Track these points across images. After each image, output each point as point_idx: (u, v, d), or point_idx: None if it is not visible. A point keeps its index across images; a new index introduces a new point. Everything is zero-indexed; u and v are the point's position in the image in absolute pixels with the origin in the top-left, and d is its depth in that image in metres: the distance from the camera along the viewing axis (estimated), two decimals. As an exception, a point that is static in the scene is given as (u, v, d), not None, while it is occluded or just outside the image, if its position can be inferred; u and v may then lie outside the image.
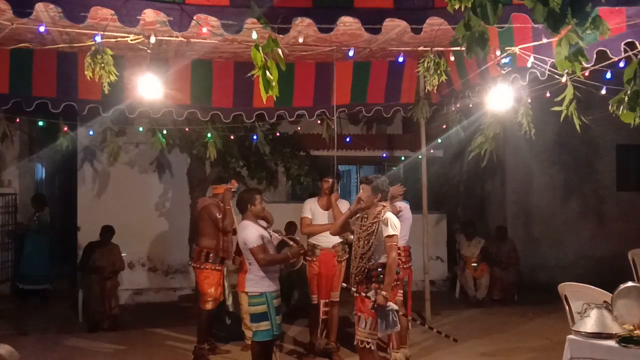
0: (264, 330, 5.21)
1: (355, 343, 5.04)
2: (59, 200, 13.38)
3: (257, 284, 5.23)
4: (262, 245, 5.17)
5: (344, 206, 6.36)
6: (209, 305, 6.44)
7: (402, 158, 10.72)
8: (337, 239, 6.33)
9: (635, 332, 4.16)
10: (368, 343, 4.91)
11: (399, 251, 6.02)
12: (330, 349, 6.41)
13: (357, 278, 5.06)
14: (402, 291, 6.05)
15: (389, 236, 4.87)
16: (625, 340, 4.08)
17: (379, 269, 4.91)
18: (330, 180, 6.35)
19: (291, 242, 5.50)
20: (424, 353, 6.52)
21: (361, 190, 5.13)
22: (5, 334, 7.24)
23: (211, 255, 6.43)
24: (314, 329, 6.49)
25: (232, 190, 6.55)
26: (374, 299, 4.82)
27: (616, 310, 4.36)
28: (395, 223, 4.93)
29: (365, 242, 5.01)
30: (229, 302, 6.78)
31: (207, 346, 6.53)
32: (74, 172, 10.02)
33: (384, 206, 5.04)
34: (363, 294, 4.93)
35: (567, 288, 5.08)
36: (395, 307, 4.92)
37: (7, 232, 10.09)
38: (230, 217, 6.41)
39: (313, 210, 6.39)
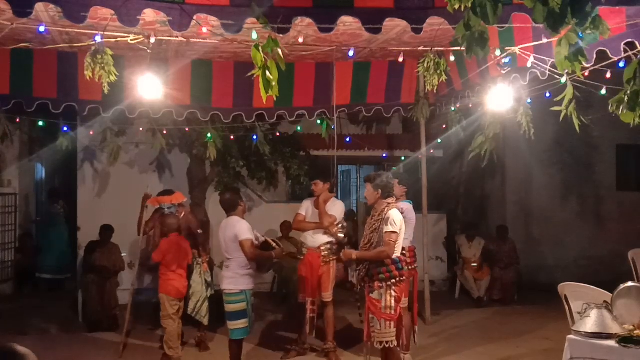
0: (241, 328, 5.28)
1: (375, 346, 5.07)
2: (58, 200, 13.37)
3: (237, 281, 5.34)
4: (252, 240, 5.31)
5: (337, 207, 6.40)
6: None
7: (402, 158, 10.71)
8: (323, 240, 6.35)
9: (635, 332, 4.16)
10: (387, 342, 4.98)
11: (404, 252, 6.04)
12: (327, 349, 6.42)
13: (359, 275, 5.16)
14: (406, 299, 6.04)
15: (388, 232, 4.96)
16: (625, 340, 4.08)
17: (379, 267, 4.97)
18: (320, 182, 6.36)
19: (274, 244, 5.63)
20: (422, 352, 6.52)
21: (365, 190, 5.26)
22: (5, 334, 7.23)
23: None
24: (301, 327, 6.51)
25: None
26: (378, 298, 4.94)
27: (616, 310, 4.36)
28: (396, 220, 4.98)
29: (368, 239, 5.11)
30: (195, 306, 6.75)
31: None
32: (74, 172, 10.01)
33: (388, 204, 5.10)
34: (367, 293, 5.04)
35: (567, 288, 5.08)
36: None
37: (7, 232, 10.10)
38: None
39: (308, 209, 6.48)
